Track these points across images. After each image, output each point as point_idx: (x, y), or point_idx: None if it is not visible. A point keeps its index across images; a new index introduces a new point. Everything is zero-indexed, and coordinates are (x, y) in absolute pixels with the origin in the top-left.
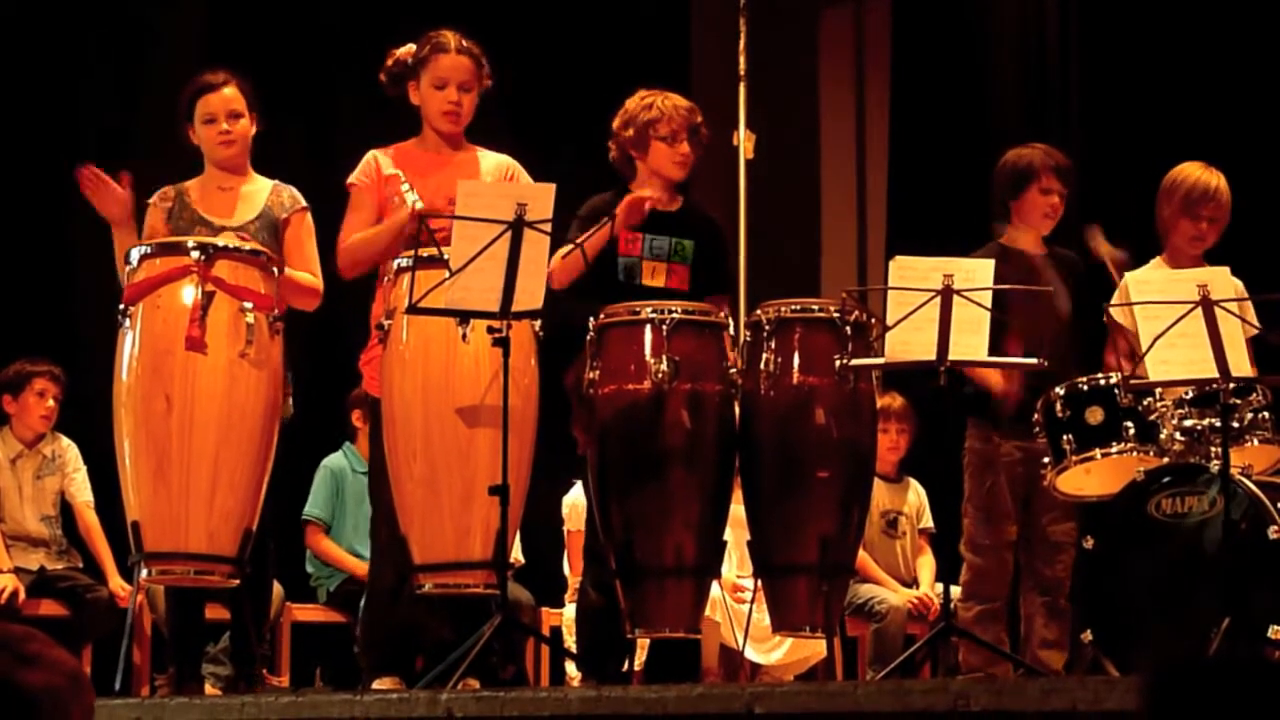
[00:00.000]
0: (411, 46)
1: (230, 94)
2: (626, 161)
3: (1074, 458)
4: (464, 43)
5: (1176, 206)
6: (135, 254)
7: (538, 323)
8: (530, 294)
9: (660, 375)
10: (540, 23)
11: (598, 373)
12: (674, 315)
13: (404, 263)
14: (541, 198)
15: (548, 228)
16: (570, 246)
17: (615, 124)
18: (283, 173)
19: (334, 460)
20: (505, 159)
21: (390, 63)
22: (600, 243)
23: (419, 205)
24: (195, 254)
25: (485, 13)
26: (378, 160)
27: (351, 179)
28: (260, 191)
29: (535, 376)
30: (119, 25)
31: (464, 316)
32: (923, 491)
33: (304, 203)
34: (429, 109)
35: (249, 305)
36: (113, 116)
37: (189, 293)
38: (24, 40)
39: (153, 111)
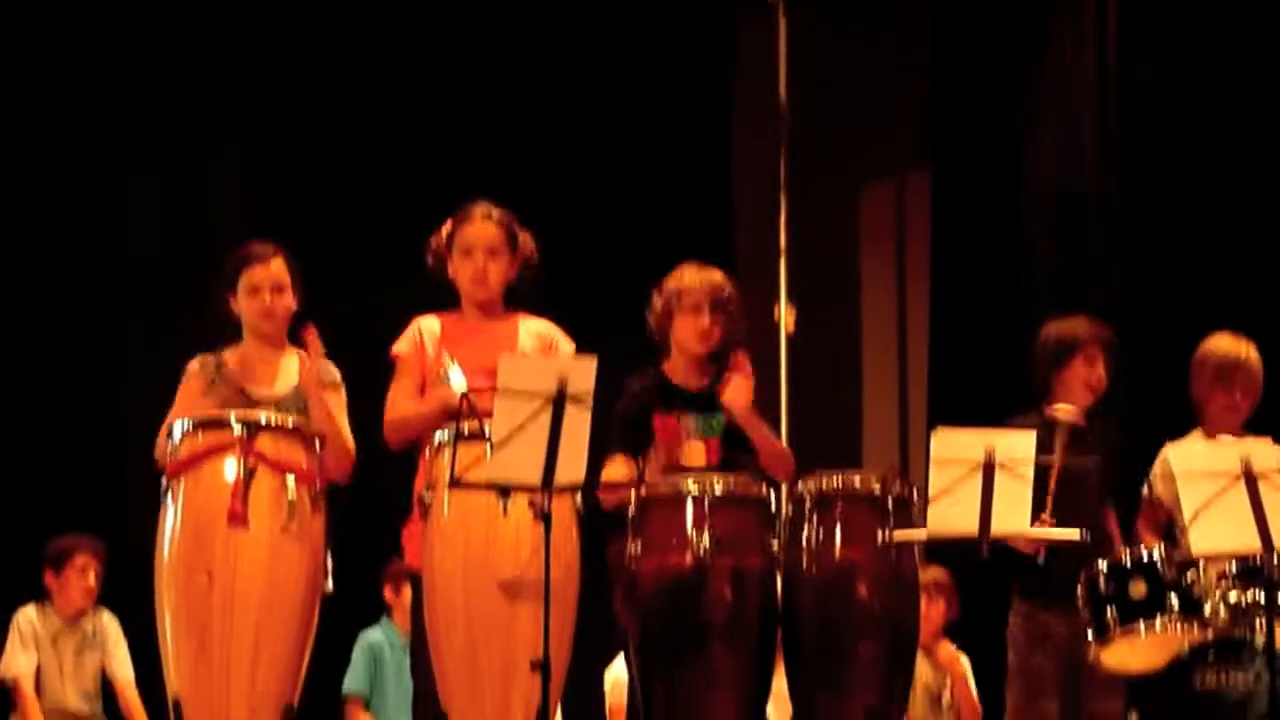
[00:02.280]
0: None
1: (276, 268)
2: (661, 336)
3: (1118, 631)
4: (492, 211)
5: (1209, 379)
6: (178, 429)
7: (578, 496)
8: (571, 467)
9: (703, 551)
10: (584, 194)
11: (639, 547)
12: (715, 490)
13: (444, 436)
14: (583, 370)
15: (589, 401)
16: (617, 490)
17: (653, 297)
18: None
19: (373, 635)
20: (545, 326)
21: (432, 244)
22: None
23: (463, 389)
24: (238, 429)
25: (526, 183)
26: (421, 330)
27: (396, 348)
28: (293, 362)
29: (576, 550)
30: (168, 178)
31: (505, 490)
32: (967, 663)
33: (338, 377)
34: (460, 278)
35: (291, 480)
36: (156, 281)
37: (231, 467)
38: (64, 177)
39: (195, 268)
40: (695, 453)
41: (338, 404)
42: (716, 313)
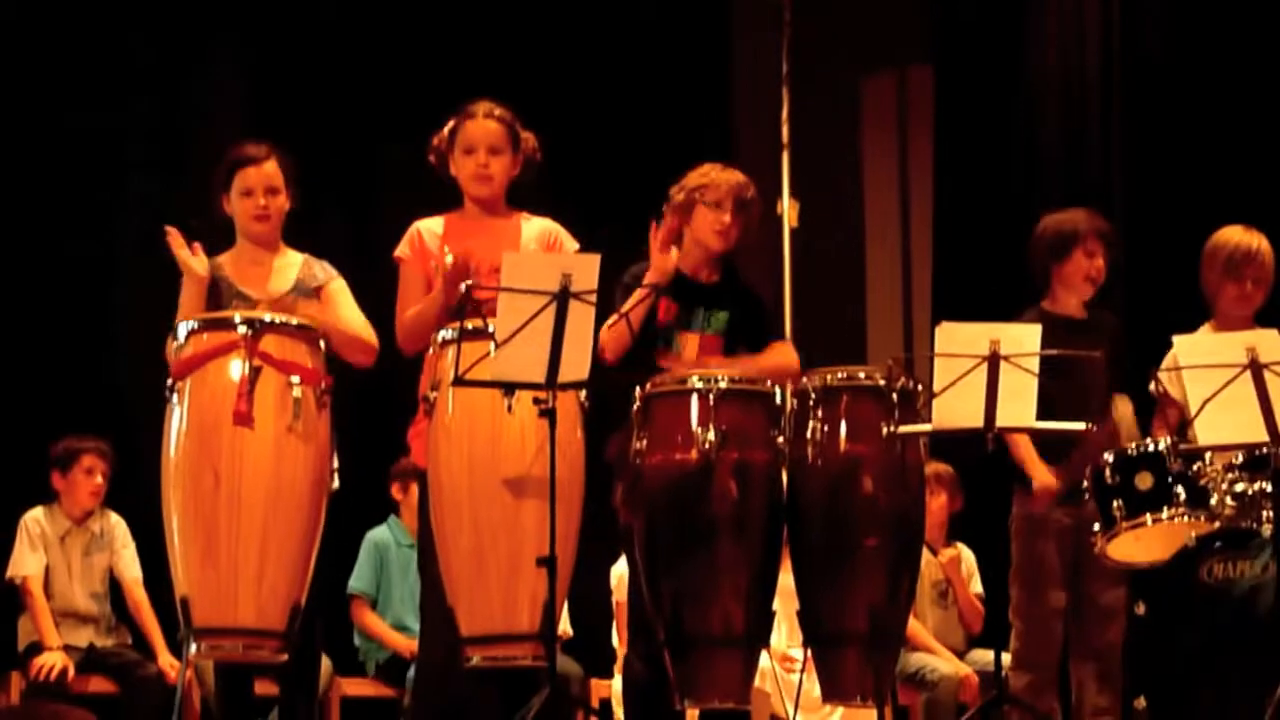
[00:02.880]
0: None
1: (270, 169)
2: (675, 228)
3: (1124, 523)
4: (494, 109)
5: (1219, 270)
6: (182, 329)
7: (583, 393)
8: (576, 365)
9: (708, 445)
10: (584, 93)
11: (644, 443)
12: (720, 385)
13: (448, 335)
14: (587, 268)
15: (593, 299)
16: (615, 317)
17: (671, 190)
18: (324, 249)
19: (379, 534)
20: (548, 224)
21: (434, 142)
22: (644, 312)
23: (448, 260)
24: (242, 329)
25: (527, 84)
26: (420, 232)
27: (397, 252)
28: (292, 266)
29: (581, 448)
30: (162, 96)
31: (509, 388)
32: (972, 558)
33: (336, 273)
34: (462, 175)
35: (296, 379)
36: (154, 184)
37: (236, 368)
38: (68, 112)
39: (195, 185)
40: (688, 345)
41: (341, 295)
42: (739, 213)
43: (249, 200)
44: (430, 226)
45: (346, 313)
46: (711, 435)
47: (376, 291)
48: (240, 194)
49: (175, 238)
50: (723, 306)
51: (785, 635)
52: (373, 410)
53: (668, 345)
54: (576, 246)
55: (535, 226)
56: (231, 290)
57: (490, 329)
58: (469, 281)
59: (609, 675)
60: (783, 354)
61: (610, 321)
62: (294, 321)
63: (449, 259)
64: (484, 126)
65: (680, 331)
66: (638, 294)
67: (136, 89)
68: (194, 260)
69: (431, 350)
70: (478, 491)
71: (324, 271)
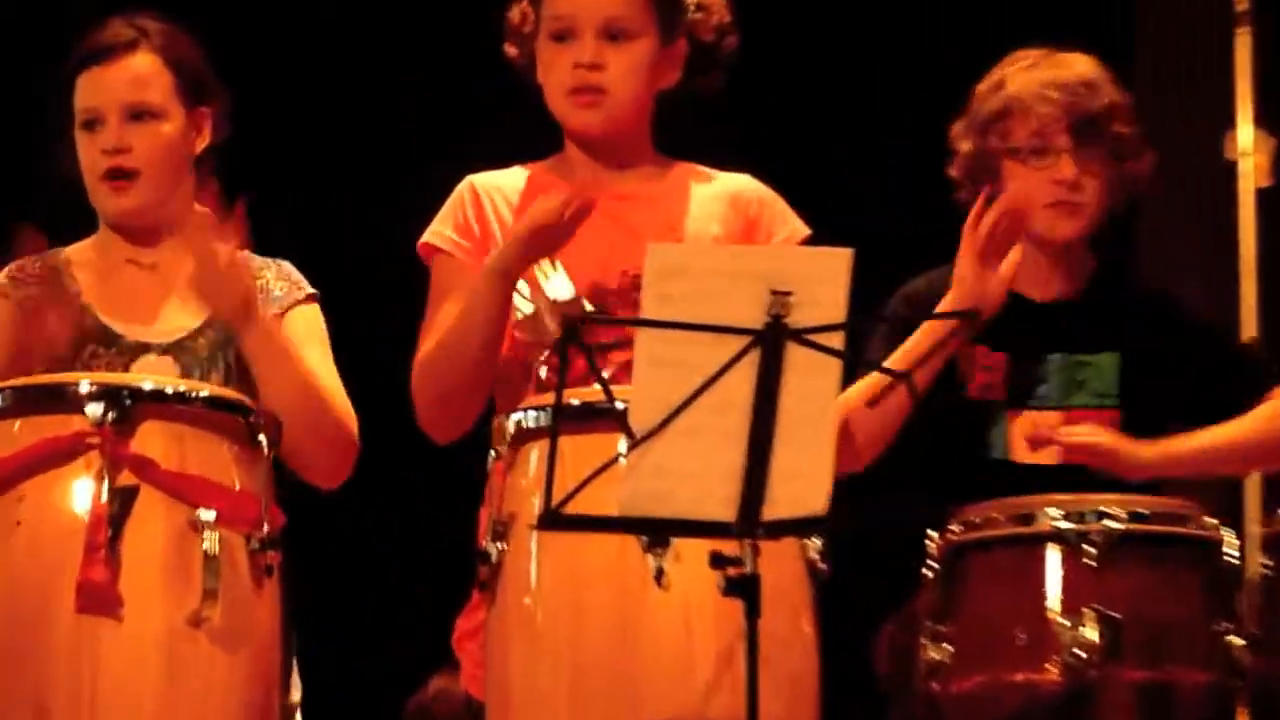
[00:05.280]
0: None
1: (140, 67)
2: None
3: None
4: None
5: None
6: None
7: (817, 543)
8: (807, 484)
9: (1081, 655)
10: None
11: (947, 649)
12: (1110, 526)
13: (530, 419)
14: (824, 276)
15: (838, 340)
16: (876, 378)
17: (966, 111)
18: (290, 239)
19: None
20: (745, 184)
21: (512, 22)
22: (940, 364)
23: (561, 295)
24: (93, 410)
25: None
26: (479, 194)
27: (428, 236)
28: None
29: (815, 656)
30: None
31: (660, 534)
32: None
33: (304, 290)
34: (550, 91)
35: (208, 515)
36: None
37: (82, 492)
38: None
39: None
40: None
41: (311, 337)
42: (1089, 142)
43: (92, 139)
44: (499, 184)
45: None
46: (1090, 631)
47: (384, 327)
48: (82, 125)
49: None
50: (1103, 343)
51: None
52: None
53: (985, 433)
54: (806, 233)
55: (717, 189)
56: (90, 325)
57: (618, 405)
58: (576, 305)
59: None
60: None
61: (864, 387)
62: (205, 393)
63: (559, 292)
64: None
65: (1011, 409)
66: (927, 332)
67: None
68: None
69: (495, 453)
70: None
71: (285, 285)
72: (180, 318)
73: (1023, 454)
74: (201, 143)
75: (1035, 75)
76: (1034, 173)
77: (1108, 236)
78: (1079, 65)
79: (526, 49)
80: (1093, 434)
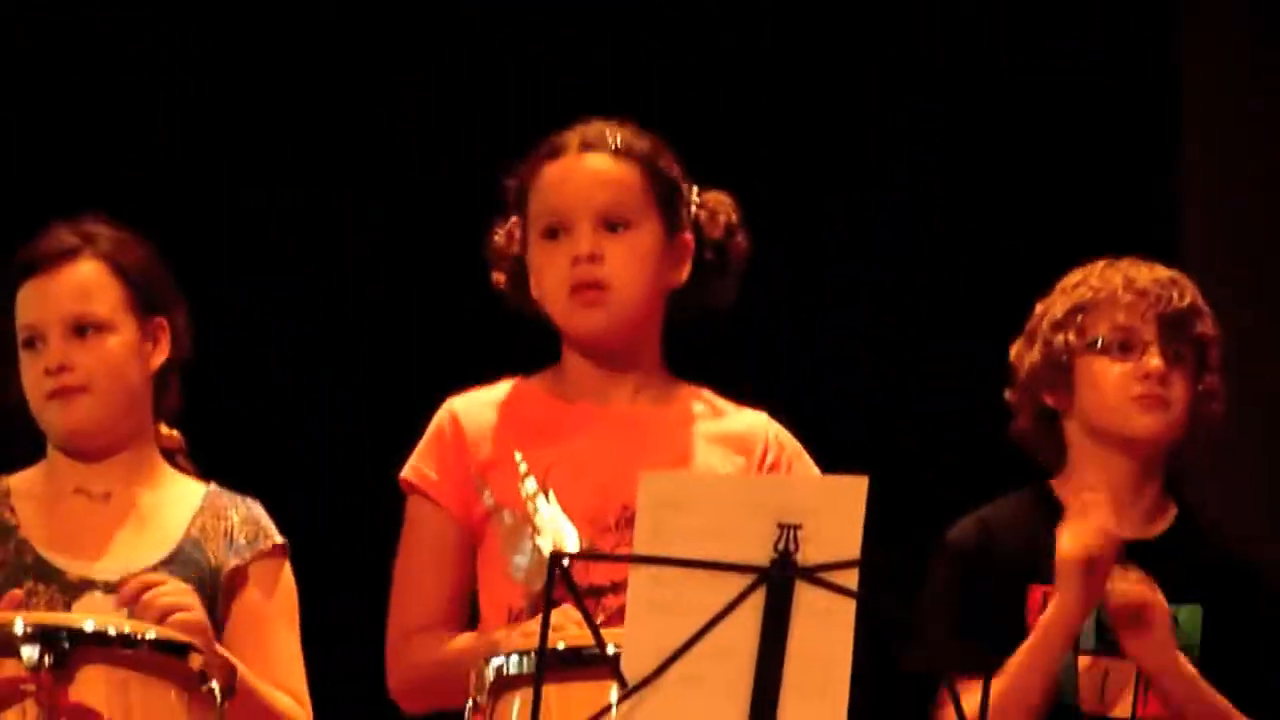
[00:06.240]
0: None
1: (84, 276)
2: (1042, 425)
3: None
4: (617, 136)
5: None
6: None
7: None
8: None
9: None
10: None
11: None
12: None
13: (512, 664)
14: (837, 507)
15: (852, 578)
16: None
17: (1028, 327)
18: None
19: None
20: (760, 425)
21: (495, 239)
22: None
23: (565, 547)
24: (28, 653)
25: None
26: (458, 421)
27: (406, 471)
28: (176, 505)
29: None
30: None
31: None
32: None
33: (276, 537)
34: (547, 295)
35: None
36: None
37: None
38: None
39: None
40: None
41: (277, 610)
42: (1176, 339)
43: (35, 359)
44: (479, 408)
45: (276, 648)
46: None
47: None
48: (24, 345)
49: None
50: (1186, 592)
51: None
52: None
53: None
54: (814, 471)
55: (729, 425)
56: (27, 560)
57: (610, 650)
58: (568, 547)
59: None
60: None
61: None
62: (152, 635)
63: (564, 541)
64: (584, 170)
65: (1082, 654)
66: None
67: None
68: None
69: (472, 703)
70: None
71: (251, 532)
72: (132, 552)
73: (1092, 703)
74: (159, 356)
75: (1116, 270)
76: (1117, 365)
77: (1182, 479)
78: (1160, 267)
79: (517, 271)
80: (1151, 591)
